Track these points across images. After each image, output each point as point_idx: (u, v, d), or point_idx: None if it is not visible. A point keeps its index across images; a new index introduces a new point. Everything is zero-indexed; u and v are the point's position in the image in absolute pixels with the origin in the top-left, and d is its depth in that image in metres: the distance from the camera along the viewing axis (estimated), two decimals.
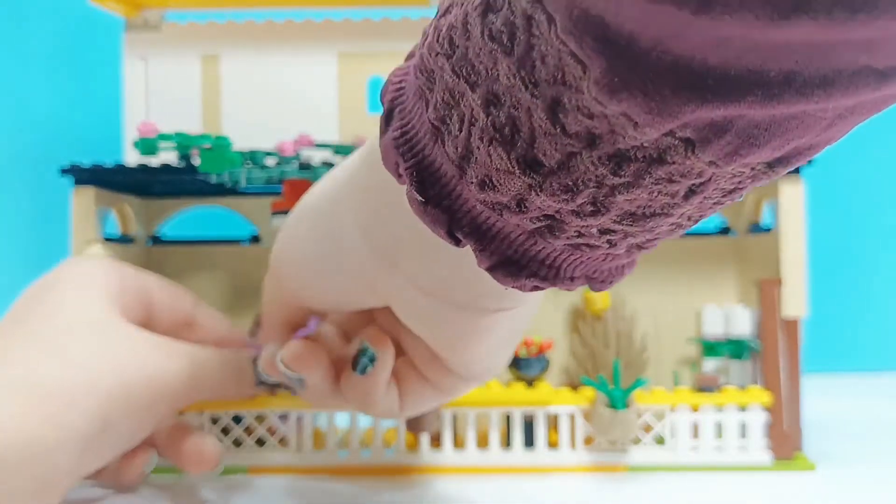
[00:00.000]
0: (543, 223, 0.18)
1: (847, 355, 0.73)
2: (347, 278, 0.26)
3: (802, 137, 0.15)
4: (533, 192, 0.17)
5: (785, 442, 0.41)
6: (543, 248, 0.19)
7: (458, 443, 0.43)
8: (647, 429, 0.42)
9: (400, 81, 0.20)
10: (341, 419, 0.43)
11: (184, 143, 0.41)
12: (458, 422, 0.43)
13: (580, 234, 0.18)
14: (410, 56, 0.21)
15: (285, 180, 0.40)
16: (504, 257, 0.19)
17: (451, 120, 0.17)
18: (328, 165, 0.41)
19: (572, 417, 0.41)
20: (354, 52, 0.47)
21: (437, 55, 0.17)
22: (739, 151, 0.14)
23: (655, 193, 0.16)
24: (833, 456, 0.43)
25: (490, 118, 0.16)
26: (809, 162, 0.41)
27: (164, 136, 0.41)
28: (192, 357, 0.31)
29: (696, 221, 0.19)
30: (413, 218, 0.21)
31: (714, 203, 0.17)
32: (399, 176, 0.20)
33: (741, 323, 0.44)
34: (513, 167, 0.16)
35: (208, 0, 0.48)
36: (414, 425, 0.38)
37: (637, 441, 0.42)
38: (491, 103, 0.16)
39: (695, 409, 0.41)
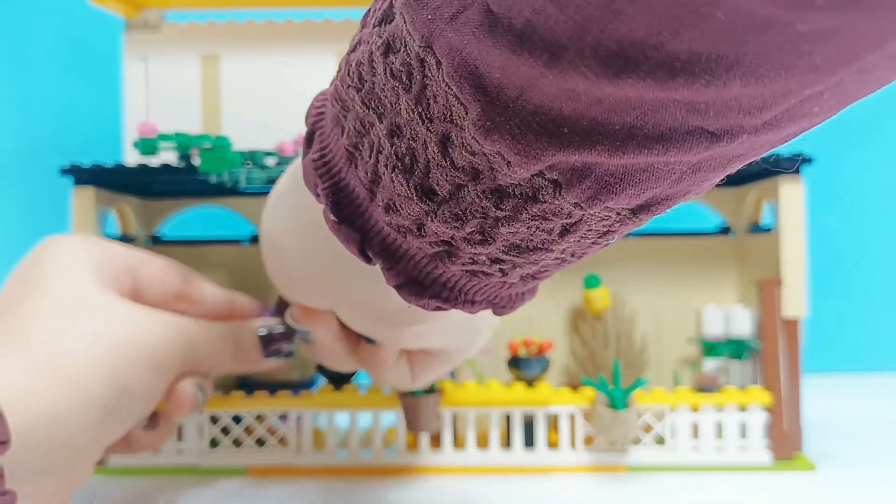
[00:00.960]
0: (441, 248, 0.19)
1: (847, 355, 0.73)
2: (300, 287, 0.28)
3: (656, 188, 0.16)
4: (429, 218, 0.18)
5: (785, 442, 0.41)
6: (444, 272, 0.21)
7: (458, 443, 0.43)
8: (648, 429, 0.42)
9: (321, 106, 0.22)
10: (341, 419, 0.43)
11: (184, 143, 0.41)
12: (458, 422, 0.43)
13: (473, 262, 0.20)
14: (332, 82, 0.22)
15: None
16: (409, 277, 0.21)
17: (362, 146, 0.19)
18: None
19: (572, 417, 0.41)
20: None
21: (348, 87, 0.19)
22: (599, 196, 0.16)
23: (533, 229, 0.18)
24: (833, 456, 0.43)
25: (393, 147, 0.18)
26: (807, 163, 0.41)
27: (164, 137, 0.41)
28: (183, 328, 0.31)
29: (580, 257, 0.20)
30: (333, 239, 0.23)
31: (591, 243, 0.19)
32: (318, 195, 0.21)
33: (741, 323, 0.44)
34: (411, 194, 0.18)
35: (208, 0, 0.48)
36: (414, 425, 0.38)
37: (637, 441, 0.42)
38: (394, 134, 0.18)
39: (695, 409, 0.41)
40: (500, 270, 0.20)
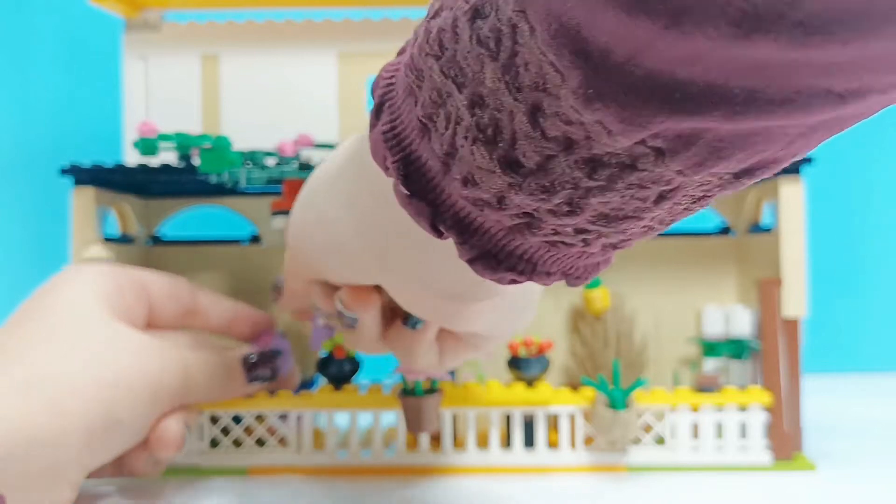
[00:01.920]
0: (522, 220, 0.19)
1: (847, 355, 0.73)
2: (348, 265, 0.27)
3: (766, 151, 0.15)
4: (512, 191, 0.17)
5: (785, 442, 0.41)
6: (521, 243, 0.20)
7: (458, 443, 0.43)
8: (647, 429, 0.42)
9: (391, 77, 0.21)
10: (341, 419, 0.43)
11: (184, 144, 0.41)
12: (458, 422, 0.43)
13: (556, 233, 0.19)
14: (402, 52, 0.21)
15: (285, 180, 0.40)
16: (484, 251, 0.20)
17: (438, 118, 0.18)
18: None
19: (572, 417, 0.41)
20: (354, 52, 0.47)
21: (426, 55, 0.18)
22: (706, 162, 0.15)
23: (627, 197, 0.17)
24: (833, 456, 0.43)
25: (475, 118, 0.17)
26: (807, 163, 0.41)
27: (163, 137, 0.41)
28: (183, 360, 0.32)
29: (668, 225, 0.19)
30: (398, 213, 0.22)
31: (684, 209, 0.18)
32: (386, 169, 0.20)
33: (741, 323, 0.44)
34: (494, 166, 0.17)
35: (208, 0, 0.48)
36: (414, 425, 0.38)
37: (637, 441, 0.42)
38: (476, 104, 0.17)
39: (695, 409, 0.41)
40: (584, 241, 0.19)
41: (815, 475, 0.40)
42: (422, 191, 0.20)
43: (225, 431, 0.42)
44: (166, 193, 0.49)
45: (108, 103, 0.58)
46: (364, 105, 0.47)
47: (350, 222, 0.25)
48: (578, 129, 0.16)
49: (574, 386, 0.44)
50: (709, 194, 0.18)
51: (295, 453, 0.41)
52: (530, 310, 0.30)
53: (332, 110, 0.47)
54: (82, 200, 0.42)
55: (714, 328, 0.45)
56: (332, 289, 0.30)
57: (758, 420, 0.41)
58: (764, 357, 0.41)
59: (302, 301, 0.33)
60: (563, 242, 0.19)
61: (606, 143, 0.15)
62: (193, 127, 0.47)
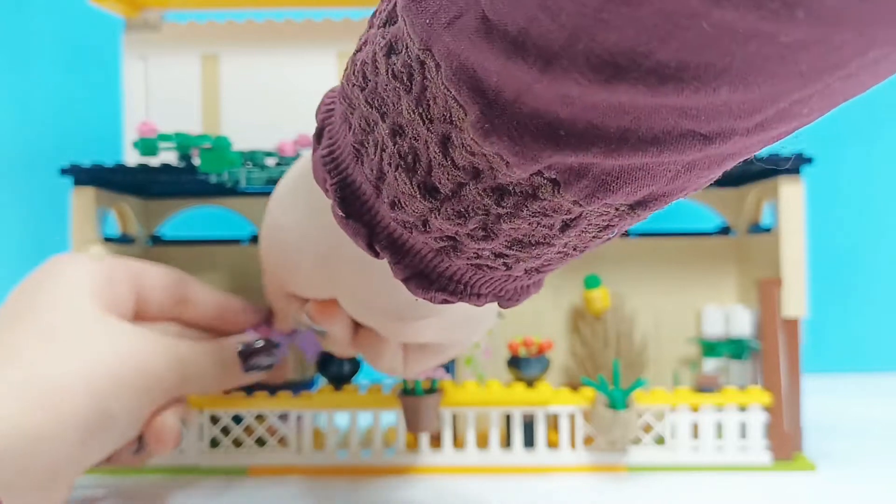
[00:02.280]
0: (446, 243, 0.20)
1: (847, 355, 0.73)
2: (304, 280, 0.28)
3: (652, 186, 0.17)
4: (433, 215, 0.18)
5: (785, 442, 0.41)
6: (450, 265, 0.21)
7: (458, 443, 0.43)
8: (647, 429, 0.42)
9: (331, 103, 0.22)
10: (341, 419, 0.43)
11: (184, 144, 0.41)
12: (458, 422, 0.43)
13: (478, 256, 0.20)
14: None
15: None
16: (416, 271, 0.21)
17: (367, 144, 0.19)
18: None
19: (572, 417, 0.41)
20: None
21: (353, 86, 0.19)
22: (596, 194, 0.16)
23: (535, 225, 0.18)
24: (833, 456, 0.43)
25: (396, 146, 0.18)
26: (807, 162, 0.41)
27: (163, 137, 0.41)
28: (176, 351, 0.32)
29: (583, 251, 0.20)
30: (342, 237, 0.23)
31: (592, 237, 0.19)
32: (326, 191, 0.21)
33: (741, 323, 0.44)
34: (415, 191, 0.18)
35: (208, 0, 0.48)
36: (414, 425, 0.38)
37: (637, 441, 0.42)
38: (396, 133, 0.18)
39: (695, 409, 0.41)
40: (504, 264, 0.20)
41: (815, 475, 0.40)
42: (358, 212, 0.21)
43: (225, 431, 0.42)
44: (166, 193, 0.49)
45: (108, 103, 0.58)
46: None
47: (301, 239, 0.27)
48: (482, 159, 0.17)
49: (574, 386, 0.44)
50: (611, 224, 0.19)
51: (295, 453, 0.41)
52: (488, 319, 0.31)
53: None
54: (82, 200, 0.42)
55: (714, 328, 0.45)
56: (302, 301, 0.31)
57: (758, 420, 0.41)
58: (764, 357, 0.41)
59: (287, 316, 0.34)
60: (486, 266, 0.20)
61: (506, 173, 0.17)
62: (193, 127, 0.47)
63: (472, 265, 0.21)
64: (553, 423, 0.43)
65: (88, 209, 0.42)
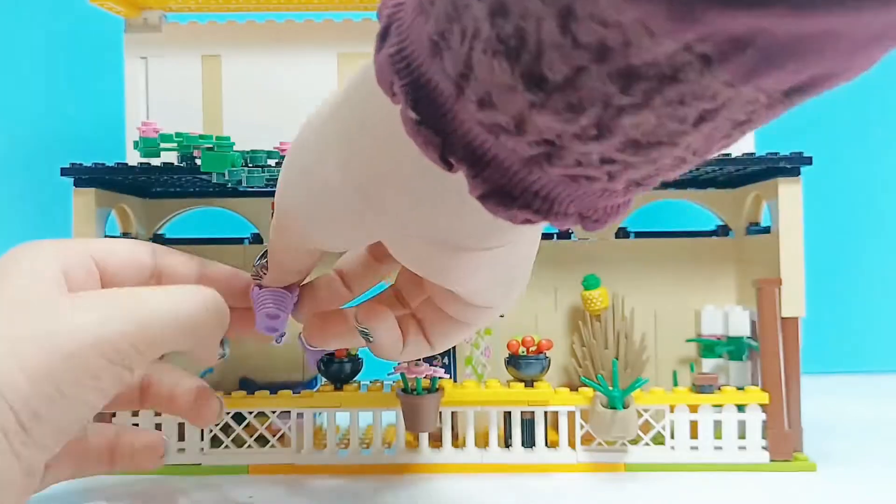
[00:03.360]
0: (542, 149, 0.17)
1: (847, 355, 0.73)
2: (341, 220, 0.25)
3: (823, 62, 0.14)
4: (535, 111, 0.16)
5: (785, 442, 0.41)
6: (539, 177, 0.18)
7: (458, 442, 0.43)
8: (646, 428, 0.42)
9: None
10: (342, 418, 0.43)
11: (185, 144, 0.41)
12: (458, 421, 0.43)
13: (579, 163, 0.17)
14: None
15: None
16: (497, 186, 0.19)
17: (451, 34, 0.17)
18: None
19: (571, 417, 0.41)
20: (354, 53, 0.47)
21: None
22: (758, 70, 0.14)
23: (664, 118, 0.15)
24: (833, 456, 0.43)
25: (496, 29, 0.16)
26: (807, 162, 0.41)
27: (165, 137, 0.41)
28: (139, 296, 0.27)
29: (702, 157, 0.18)
30: (396, 154, 0.21)
31: (723, 136, 0.17)
32: (393, 95, 0.19)
33: (740, 323, 0.45)
34: (516, 82, 0.16)
35: (209, 1, 0.48)
36: (414, 425, 0.38)
37: (636, 441, 0.42)
38: (497, 14, 0.15)
39: (693, 409, 0.41)
40: (608, 174, 0.18)
41: (815, 475, 0.40)
42: (432, 118, 0.18)
43: (226, 430, 0.42)
44: (167, 194, 0.49)
45: (109, 103, 0.58)
46: None
47: (339, 165, 0.23)
48: (615, 32, 0.14)
49: (573, 386, 0.44)
50: (752, 118, 0.16)
51: (295, 452, 0.41)
52: (522, 281, 0.28)
53: None
54: (83, 201, 0.42)
55: (713, 328, 0.45)
56: (325, 256, 0.29)
57: (756, 420, 0.41)
58: (763, 357, 0.42)
59: (288, 277, 0.30)
60: (585, 176, 0.18)
61: (647, 47, 0.14)
62: (194, 127, 0.47)
63: (566, 176, 0.18)
64: (552, 422, 0.43)
65: (89, 209, 0.42)
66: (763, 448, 0.41)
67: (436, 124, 0.18)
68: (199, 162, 0.40)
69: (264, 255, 0.31)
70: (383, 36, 0.19)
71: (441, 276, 0.25)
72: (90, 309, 0.27)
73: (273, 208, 0.40)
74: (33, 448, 0.25)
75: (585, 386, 0.41)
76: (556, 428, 0.43)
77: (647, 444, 0.42)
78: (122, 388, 0.27)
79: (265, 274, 0.31)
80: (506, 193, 0.19)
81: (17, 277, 0.27)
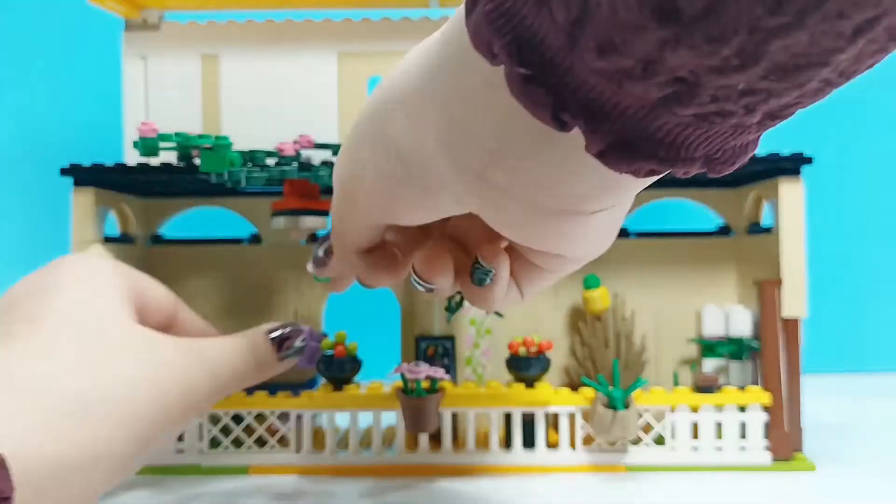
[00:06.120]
0: (675, 88, 0.16)
1: (847, 355, 0.73)
2: (427, 195, 0.24)
3: None
4: (668, 49, 0.15)
5: (785, 442, 0.41)
6: (666, 122, 0.17)
7: (458, 443, 0.43)
8: (647, 429, 0.42)
9: None
10: (341, 419, 0.43)
11: (184, 144, 0.41)
12: (458, 422, 0.43)
13: (715, 99, 0.16)
14: None
15: (286, 180, 0.40)
16: (618, 138, 0.17)
17: None
18: (328, 165, 0.41)
19: (572, 417, 0.41)
20: (354, 52, 0.47)
21: None
22: None
23: (818, 35, 0.14)
24: (833, 456, 0.43)
25: None
26: (807, 162, 0.41)
27: (163, 137, 0.41)
28: (207, 352, 0.29)
29: (849, 78, 0.16)
30: (500, 120, 0.19)
31: (877, 50, 0.15)
32: (493, 56, 0.17)
33: (741, 323, 0.44)
34: (647, 20, 0.14)
35: (208, 0, 0.48)
36: (414, 425, 0.38)
37: (637, 441, 0.42)
38: None
39: (694, 409, 0.41)
40: (746, 107, 0.16)
41: (815, 475, 0.40)
42: (540, 75, 0.17)
43: (225, 431, 0.42)
44: (166, 193, 0.49)
45: (108, 103, 0.58)
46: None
47: (434, 135, 0.22)
48: None
49: (574, 386, 0.44)
50: None
51: (295, 453, 0.41)
52: (616, 227, 0.26)
53: (332, 110, 0.47)
54: (82, 200, 0.42)
55: (714, 328, 0.45)
56: (394, 232, 0.28)
57: (757, 420, 0.41)
58: (763, 357, 0.42)
59: (350, 263, 0.29)
60: (718, 113, 0.16)
61: None
62: (193, 127, 0.47)
63: (698, 116, 0.17)
64: (553, 423, 0.43)
65: (88, 209, 0.42)
66: (764, 448, 0.41)
67: (546, 81, 0.17)
68: (198, 162, 0.40)
69: (322, 243, 0.31)
70: None
71: (544, 243, 0.24)
72: (172, 360, 0.27)
73: (273, 209, 0.40)
74: (132, 467, 0.26)
75: (586, 386, 0.41)
76: (556, 429, 0.43)
77: (647, 444, 0.41)
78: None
79: (329, 261, 0.31)
80: (629, 144, 0.17)
81: (82, 303, 0.26)
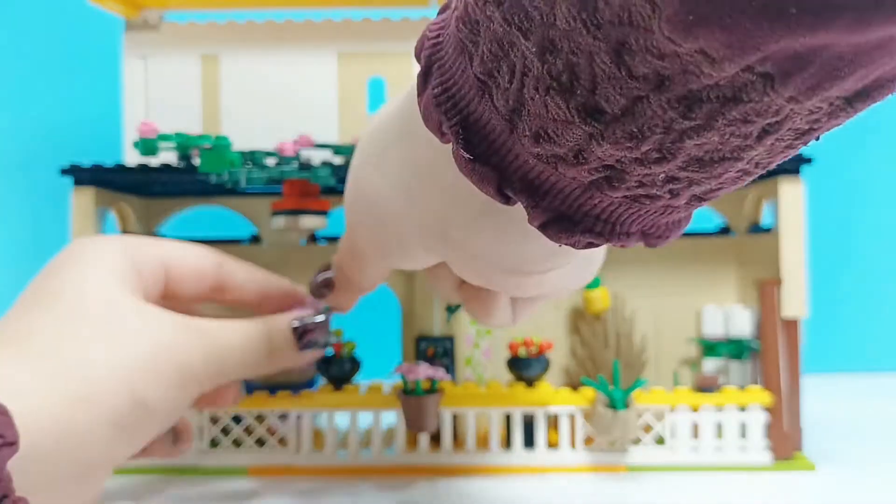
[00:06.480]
0: (602, 174, 0.17)
1: (847, 355, 0.73)
2: (406, 245, 0.25)
3: (888, 65, 0.14)
4: (594, 142, 0.16)
5: (785, 442, 0.41)
6: (600, 201, 0.18)
7: (458, 443, 0.43)
8: (647, 429, 0.42)
9: (437, 36, 0.19)
10: (341, 419, 0.43)
11: (184, 144, 0.41)
12: (458, 422, 0.43)
13: (641, 184, 0.17)
14: (444, 8, 0.20)
15: (286, 180, 0.40)
16: (558, 213, 0.18)
17: (499, 72, 0.17)
18: (328, 165, 0.41)
19: (572, 418, 0.41)
20: (354, 52, 0.47)
21: (485, 4, 0.16)
22: (822, 84, 0.14)
23: (727, 136, 0.15)
24: (833, 456, 0.43)
25: (546, 66, 0.15)
26: (807, 162, 0.41)
27: (163, 137, 0.41)
28: (214, 338, 0.29)
29: (764, 168, 0.17)
30: (454, 185, 0.21)
31: (786, 147, 0.16)
32: (442, 135, 0.19)
33: (741, 323, 0.44)
34: (572, 116, 0.16)
35: (208, 0, 0.48)
36: (414, 425, 0.38)
37: (637, 441, 0.42)
38: (547, 50, 0.15)
39: (695, 409, 0.41)
40: (670, 192, 0.17)
41: (815, 475, 0.40)
42: (484, 154, 0.18)
43: (225, 431, 0.42)
44: (166, 193, 0.49)
45: (108, 103, 0.58)
46: (364, 105, 0.47)
47: (402, 209, 0.24)
48: (673, 62, 0.14)
49: (574, 386, 0.44)
50: (815, 127, 0.16)
51: (295, 453, 0.41)
52: (599, 259, 0.28)
53: (332, 110, 0.47)
54: (82, 200, 0.42)
55: (714, 328, 0.45)
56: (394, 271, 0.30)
57: (757, 420, 0.41)
58: (764, 357, 0.42)
59: (355, 292, 0.31)
60: (647, 196, 0.18)
61: (708, 73, 0.14)
62: (193, 127, 0.47)
63: (628, 197, 0.18)
64: (553, 423, 0.43)
65: (88, 209, 0.42)
66: (765, 448, 0.41)
67: (490, 160, 0.18)
68: (197, 162, 0.40)
69: (324, 272, 0.32)
70: (426, 75, 0.19)
71: (515, 292, 0.26)
72: (169, 338, 0.28)
73: (273, 209, 0.40)
74: (132, 441, 0.27)
75: (586, 386, 0.41)
76: (556, 429, 0.43)
77: (647, 444, 0.41)
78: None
79: (328, 293, 0.32)
80: (567, 219, 0.18)
81: (81, 283, 0.28)
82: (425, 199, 0.23)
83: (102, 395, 0.25)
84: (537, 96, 0.16)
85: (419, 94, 0.19)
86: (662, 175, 0.17)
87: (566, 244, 0.19)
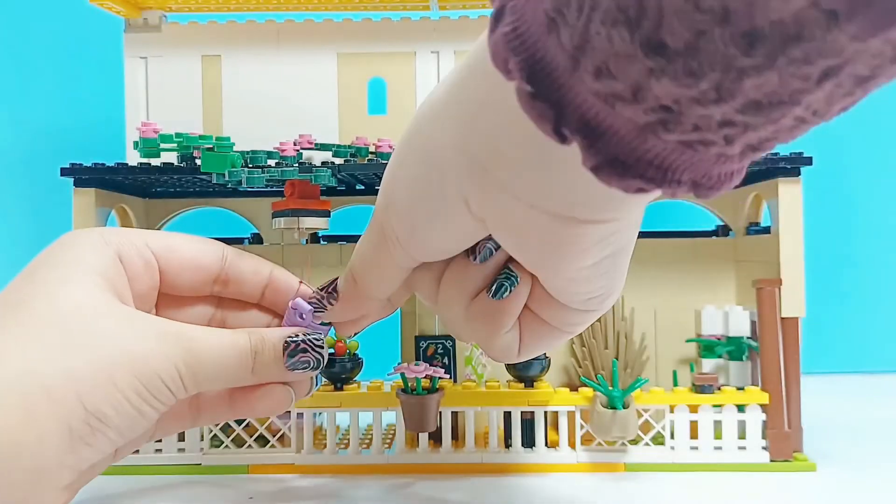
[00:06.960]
0: (658, 115, 0.17)
1: (847, 355, 0.73)
2: (447, 203, 0.25)
3: None
4: (653, 78, 0.16)
5: (784, 442, 0.41)
6: (654, 145, 0.19)
7: (458, 442, 0.43)
8: (646, 428, 0.42)
9: None
10: (342, 419, 0.43)
11: (185, 144, 0.41)
12: (458, 421, 0.43)
13: (696, 128, 0.17)
14: None
15: (286, 181, 0.40)
16: (611, 156, 0.19)
17: (569, 8, 0.17)
18: (328, 166, 0.41)
19: (571, 417, 0.41)
20: (354, 53, 0.47)
21: None
22: (887, 22, 0.14)
23: (787, 77, 0.15)
24: (833, 456, 0.43)
25: (614, 0, 0.16)
26: (807, 163, 0.41)
27: (164, 137, 0.41)
28: (194, 341, 0.28)
29: (822, 118, 0.17)
30: (510, 123, 0.21)
31: (845, 94, 0.17)
32: (508, 72, 0.19)
33: (740, 323, 0.44)
34: (635, 50, 0.16)
35: (209, 1, 0.48)
36: (414, 424, 0.38)
37: (636, 440, 0.42)
38: None
39: (693, 409, 0.41)
40: (725, 137, 0.18)
41: (815, 475, 0.40)
42: (546, 91, 0.19)
43: (226, 430, 0.42)
44: (167, 194, 0.49)
45: (109, 104, 0.58)
46: (364, 105, 0.47)
47: (454, 141, 0.24)
48: None
49: (573, 386, 0.44)
50: (876, 73, 0.16)
51: (295, 453, 0.41)
52: (622, 275, 0.27)
53: (332, 110, 0.47)
54: (83, 201, 0.42)
55: (713, 328, 0.45)
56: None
57: (756, 420, 0.41)
58: (762, 357, 0.42)
59: (362, 301, 0.30)
60: (701, 141, 0.18)
61: (773, 7, 0.14)
62: (194, 127, 0.47)
63: (682, 142, 0.18)
64: (552, 422, 0.43)
65: (89, 209, 0.42)
66: (763, 448, 0.41)
67: (550, 97, 0.19)
68: (198, 162, 0.40)
69: (331, 283, 0.30)
70: (498, 16, 0.20)
71: (548, 257, 0.25)
72: (135, 340, 0.26)
73: (273, 209, 0.40)
74: (89, 450, 0.26)
75: (585, 386, 0.41)
76: (556, 428, 0.43)
77: (647, 444, 0.42)
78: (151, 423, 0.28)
79: (333, 304, 0.30)
80: (619, 163, 0.19)
81: (61, 281, 0.27)
82: (485, 136, 0.23)
83: (50, 406, 0.25)
84: (603, 30, 0.16)
85: (490, 34, 0.20)
86: (718, 118, 0.17)
87: (617, 187, 0.19)
